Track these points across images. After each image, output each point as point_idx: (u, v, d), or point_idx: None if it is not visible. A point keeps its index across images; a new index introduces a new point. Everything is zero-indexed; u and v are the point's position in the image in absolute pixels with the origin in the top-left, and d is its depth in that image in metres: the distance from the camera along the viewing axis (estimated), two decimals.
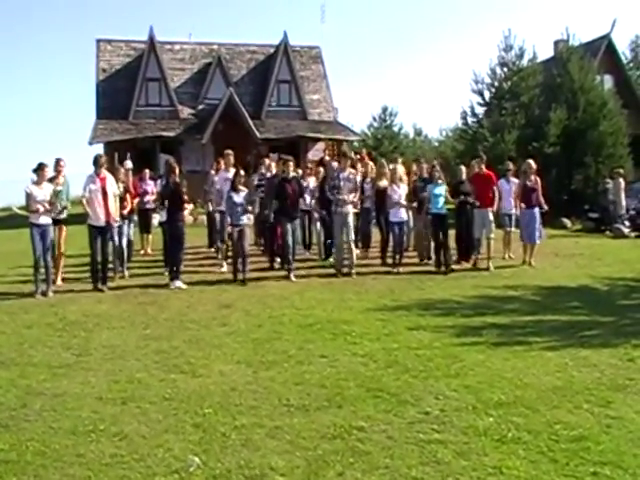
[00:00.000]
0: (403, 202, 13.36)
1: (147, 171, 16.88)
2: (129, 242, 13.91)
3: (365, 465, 4.80)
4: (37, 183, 11.26)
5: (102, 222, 11.47)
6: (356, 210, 13.46)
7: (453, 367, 7.02)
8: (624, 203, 21.27)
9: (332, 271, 13.11)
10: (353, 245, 13.14)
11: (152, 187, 16.38)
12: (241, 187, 12.62)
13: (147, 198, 16.01)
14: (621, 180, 21.52)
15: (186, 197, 12.27)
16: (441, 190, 13.38)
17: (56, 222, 11.89)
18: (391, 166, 14.55)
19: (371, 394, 6.23)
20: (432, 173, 13.96)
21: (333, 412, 5.80)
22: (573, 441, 5.11)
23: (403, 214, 13.43)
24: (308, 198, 14.59)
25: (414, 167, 15.51)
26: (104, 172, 11.70)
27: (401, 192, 13.36)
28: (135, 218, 15.26)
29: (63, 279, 12.46)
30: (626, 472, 4.61)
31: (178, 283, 11.90)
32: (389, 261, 13.80)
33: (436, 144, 53.56)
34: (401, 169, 14.12)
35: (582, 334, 8.35)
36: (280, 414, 5.78)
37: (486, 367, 7.02)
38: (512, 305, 10.26)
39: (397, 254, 13.45)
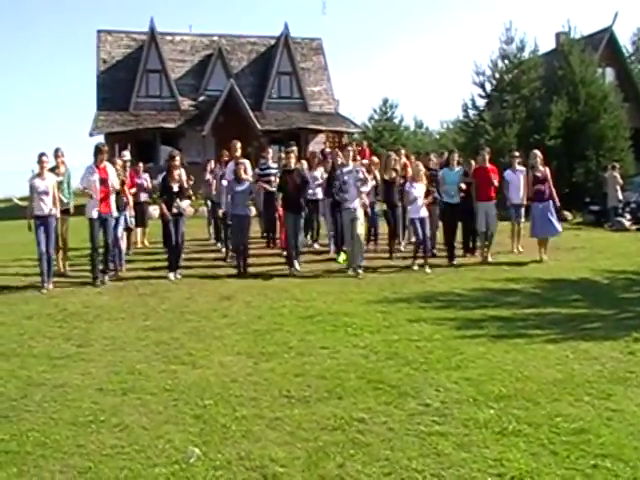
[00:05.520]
0: (422, 199, 12.86)
1: (141, 165, 16.74)
2: (128, 234, 13.87)
3: (365, 457, 4.80)
4: (39, 174, 11.25)
5: (99, 213, 11.39)
6: (365, 201, 12.76)
7: (454, 359, 7.01)
8: (619, 196, 21.15)
9: (334, 265, 13.05)
10: (363, 240, 12.64)
11: (147, 181, 16.30)
12: (244, 177, 12.58)
13: (142, 191, 15.92)
14: (615, 173, 21.39)
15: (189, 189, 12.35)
16: (456, 176, 13.34)
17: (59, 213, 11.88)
18: (413, 162, 14.46)
19: (371, 386, 6.23)
20: (449, 157, 13.92)
21: (333, 404, 5.80)
22: (574, 434, 5.10)
23: (424, 210, 12.94)
24: (320, 190, 14.58)
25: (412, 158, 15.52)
26: (104, 162, 11.59)
27: (420, 188, 12.90)
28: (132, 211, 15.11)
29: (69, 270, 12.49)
30: (627, 465, 4.60)
31: (172, 275, 11.99)
32: (407, 259, 13.55)
33: (437, 136, 53.53)
34: (420, 164, 13.74)
35: (583, 327, 8.34)
36: (280, 405, 5.78)
37: (487, 359, 7.01)
38: (513, 298, 10.24)
39: (424, 251, 12.89)
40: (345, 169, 12.41)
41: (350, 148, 13.25)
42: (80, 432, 5.27)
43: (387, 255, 14.06)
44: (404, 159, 15.16)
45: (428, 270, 12.52)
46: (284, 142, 29.20)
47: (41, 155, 11.29)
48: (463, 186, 13.44)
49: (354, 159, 13.47)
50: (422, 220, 12.87)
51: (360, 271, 12.08)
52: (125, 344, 7.80)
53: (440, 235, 15.34)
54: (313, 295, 10.40)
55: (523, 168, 14.46)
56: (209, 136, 29.69)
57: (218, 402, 5.87)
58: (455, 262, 13.32)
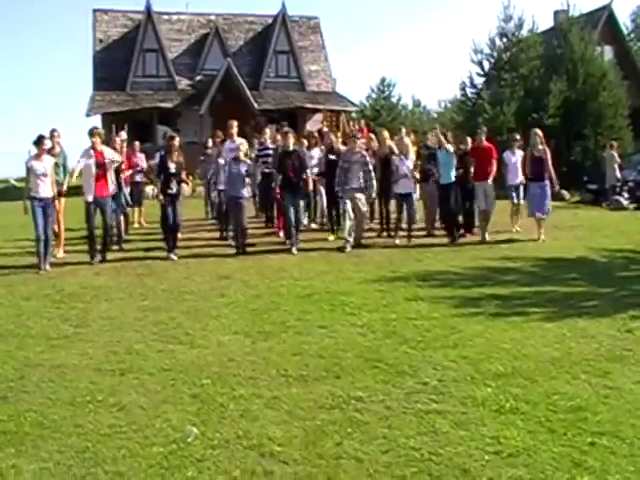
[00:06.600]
0: (410, 174, 13.13)
1: (137, 143, 16.64)
2: (125, 215, 13.83)
3: (363, 435, 4.81)
4: (37, 156, 11.15)
5: (96, 196, 11.37)
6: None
7: (451, 338, 7.02)
8: (617, 175, 21.08)
9: (331, 244, 13.03)
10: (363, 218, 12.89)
11: (143, 160, 16.27)
12: (244, 159, 12.53)
13: (138, 171, 15.92)
14: (613, 152, 21.31)
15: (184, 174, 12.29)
16: (447, 156, 13.34)
17: None
18: (397, 137, 14.46)
19: (369, 364, 6.24)
20: (439, 138, 13.94)
21: (331, 382, 5.81)
22: (571, 411, 5.11)
23: (411, 186, 13.21)
24: (315, 169, 14.56)
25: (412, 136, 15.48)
26: (100, 145, 11.57)
27: (409, 163, 13.11)
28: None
29: (64, 251, 12.43)
30: (624, 442, 4.62)
31: (173, 255, 11.96)
32: (392, 233, 13.70)
33: (435, 115, 53.39)
34: (408, 140, 13.82)
35: (580, 305, 8.35)
36: (278, 384, 5.79)
37: (484, 338, 7.02)
38: (511, 276, 10.24)
39: (407, 225, 13.29)
40: (353, 157, 12.60)
41: (359, 136, 13.52)
42: (78, 412, 5.27)
43: (385, 234, 14.12)
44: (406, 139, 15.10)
45: (397, 241, 13.07)
46: (281, 121, 29.16)
47: (41, 137, 11.20)
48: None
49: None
50: (404, 196, 13.15)
51: (351, 241, 12.42)
52: (123, 324, 7.80)
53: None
54: (311, 274, 10.39)
55: (522, 152, 14.31)
56: (206, 116, 29.57)
57: (216, 381, 5.87)
58: (455, 242, 13.30)
